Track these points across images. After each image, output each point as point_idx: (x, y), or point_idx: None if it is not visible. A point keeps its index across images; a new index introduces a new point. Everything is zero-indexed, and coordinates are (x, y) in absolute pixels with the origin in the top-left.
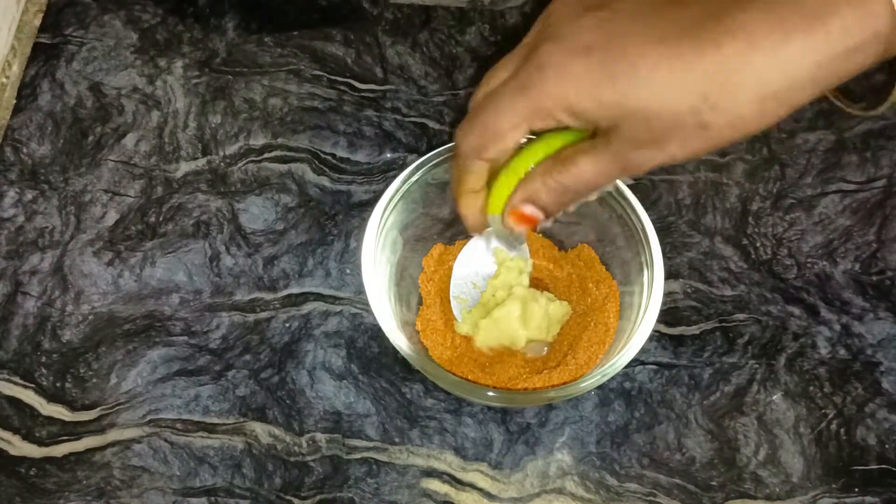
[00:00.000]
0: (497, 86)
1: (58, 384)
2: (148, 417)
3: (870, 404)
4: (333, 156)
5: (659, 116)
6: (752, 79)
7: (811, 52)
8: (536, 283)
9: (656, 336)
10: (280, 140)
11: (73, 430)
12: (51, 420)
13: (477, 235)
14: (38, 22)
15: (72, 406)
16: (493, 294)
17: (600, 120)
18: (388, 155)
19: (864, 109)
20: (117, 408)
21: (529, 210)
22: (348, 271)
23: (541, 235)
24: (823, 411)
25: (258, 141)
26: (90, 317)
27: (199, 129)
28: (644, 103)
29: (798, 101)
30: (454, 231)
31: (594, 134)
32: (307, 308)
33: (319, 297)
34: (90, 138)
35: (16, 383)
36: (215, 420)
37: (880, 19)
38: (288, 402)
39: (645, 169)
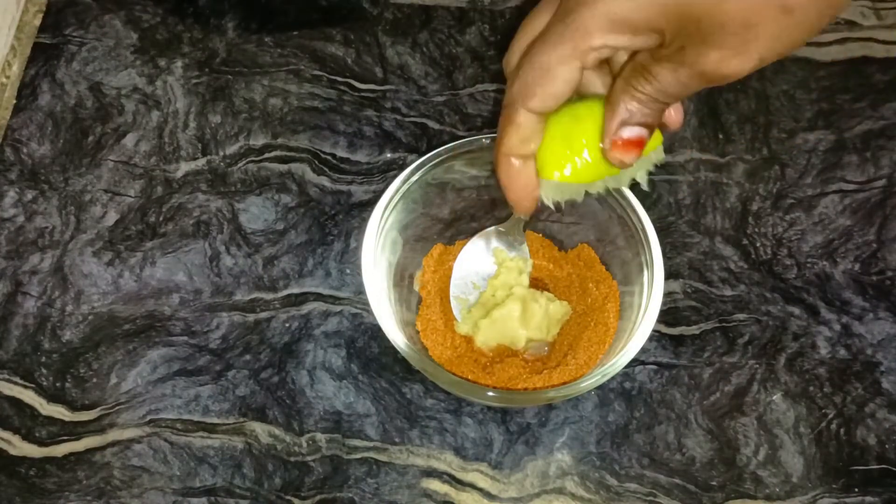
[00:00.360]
0: (540, 28)
1: (58, 384)
2: (148, 417)
3: (870, 404)
4: (333, 156)
5: (732, 8)
6: None
7: None
8: (536, 283)
9: (656, 336)
10: (280, 140)
11: (73, 430)
12: (51, 420)
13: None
14: (38, 22)
15: (72, 406)
16: (493, 294)
17: (662, 26)
18: (388, 155)
19: None
20: (117, 408)
21: (630, 133)
22: (348, 271)
23: (541, 235)
24: (823, 411)
25: (258, 141)
26: (90, 317)
27: (199, 129)
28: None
29: None
30: (454, 231)
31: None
32: (307, 308)
33: (319, 297)
34: (90, 138)
35: (16, 383)
36: (215, 420)
37: None
38: (288, 402)
39: (732, 78)
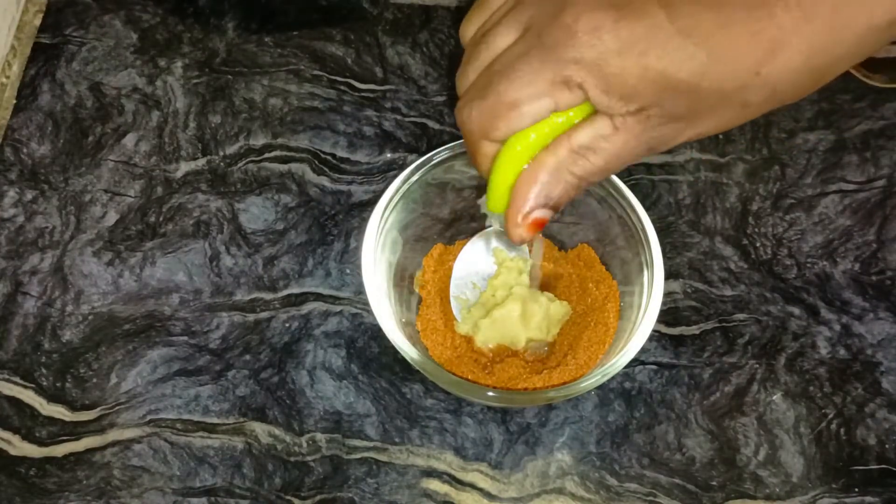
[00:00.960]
0: (504, 46)
1: (58, 384)
2: (148, 417)
3: (870, 404)
4: (333, 156)
5: (706, 92)
6: (803, 53)
7: (856, 24)
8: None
9: (656, 336)
10: (280, 140)
11: (73, 430)
12: (51, 420)
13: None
14: (38, 22)
15: (72, 406)
16: (493, 294)
17: (639, 94)
18: (388, 155)
19: (885, 81)
20: (117, 408)
21: (542, 214)
22: (348, 271)
23: (540, 235)
24: (823, 411)
25: (258, 141)
26: (90, 317)
27: (199, 129)
28: (694, 77)
29: (836, 73)
30: (454, 231)
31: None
32: (307, 308)
33: (319, 297)
34: (90, 138)
35: (16, 383)
36: (215, 420)
37: None
38: (288, 402)
39: (671, 146)
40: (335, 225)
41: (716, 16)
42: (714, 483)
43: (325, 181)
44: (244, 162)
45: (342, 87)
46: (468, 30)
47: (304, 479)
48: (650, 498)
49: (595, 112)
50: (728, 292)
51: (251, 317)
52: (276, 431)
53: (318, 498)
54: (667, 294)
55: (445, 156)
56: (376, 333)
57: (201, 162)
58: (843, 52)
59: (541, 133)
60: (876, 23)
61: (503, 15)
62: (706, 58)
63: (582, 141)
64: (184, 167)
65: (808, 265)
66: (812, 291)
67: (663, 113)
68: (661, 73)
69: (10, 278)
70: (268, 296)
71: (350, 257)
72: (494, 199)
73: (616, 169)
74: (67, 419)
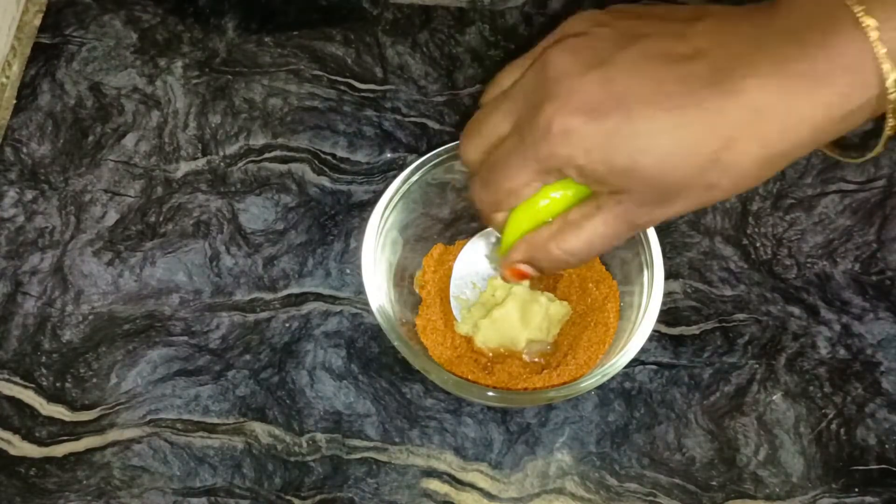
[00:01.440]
0: (499, 137)
1: (58, 384)
2: (148, 417)
3: (870, 404)
4: (333, 156)
5: (669, 179)
6: (756, 143)
7: (812, 117)
8: (540, 282)
9: (656, 336)
10: (280, 140)
11: (73, 430)
12: (51, 420)
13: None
14: (38, 22)
15: (72, 406)
16: (493, 294)
17: (610, 182)
18: (388, 155)
19: (854, 158)
20: (117, 408)
21: (527, 269)
22: (348, 271)
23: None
24: (823, 411)
25: (258, 141)
26: (90, 317)
27: (199, 129)
28: (655, 167)
29: (796, 157)
30: (454, 231)
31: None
32: (307, 308)
33: (319, 297)
34: (90, 138)
35: (16, 383)
36: (215, 420)
37: (872, 87)
38: (288, 402)
39: (651, 225)
40: (335, 225)
41: (673, 118)
42: (714, 483)
43: (325, 181)
44: (244, 162)
45: (342, 87)
46: (487, 94)
47: (304, 479)
48: (650, 498)
49: (588, 196)
50: (728, 292)
51: (251, 317)
52: (276, 431)
53: (318, 498)
54: (667, 294)
55: (445, 156)
56: (376, 333)
57: (201, 162)
58: (800, 141)
59: (534, 204)
60: (833, 114)
61: (497, 103)
62: (665, 153)
63: (572, 217)
64: (184, 167)
65: (808, 265)
66: (812, 291)
67: (634, 199)
68: (626, 167)
69: (10, 278)
70: (268, 296)
71: (350, 257)
72: (504, 248)
73: (600, 248)
74: (67, 419)
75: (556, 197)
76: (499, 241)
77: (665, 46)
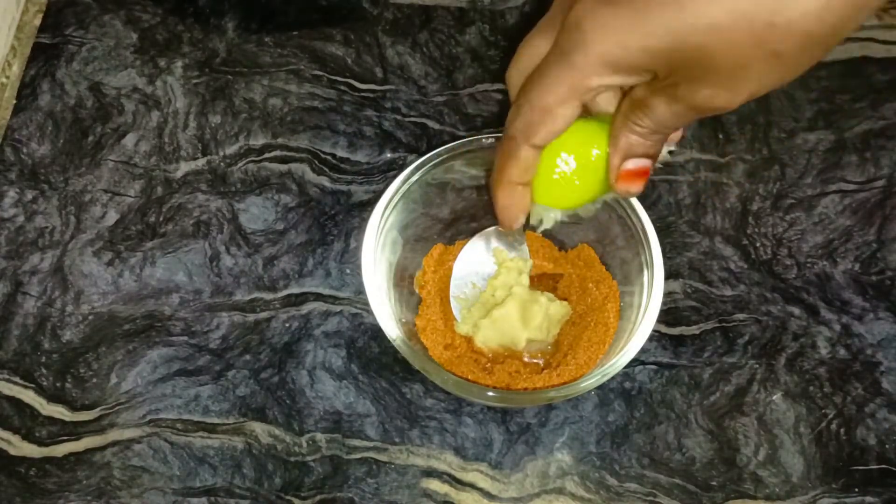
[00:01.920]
0: (540, 57)
1: (58, 384)
2: (148, 417)
3: (870, 404)
4: (333, 156)
5: (721, 52)
6: None
7: None
8: (544, 280)
9: (656, 336)
10: (280, 140)
11: (73, 430)
12: (51, 420)
13: (509, 231)
14: (38, 22)
15: (72, 406)
16: (493, 294)
17: (657, 69)
18: (388, 155)
19: None
20: (117, 408)
21: (635, 164)
22: (348, 271)
23: (541, 235)
24: (823, 411)
25: (258, 141)
26: (90, 317)
27: (199, 129)
28: (700, 40)
29: (860, 7)
30: (454, 231)
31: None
32: (307, 308)
33: (319, 297)
34: (90, 138)
35: (16, 383)
36: (215, 420)
37: None
38: (288, 402)
39: (723, 110)
40: (335, 225)
41: None
42: (714, 483)
43: (325, 181)
44: (244, 162)
45: (342, 87)
46: (511, 72)
47: (304, 479)
48: (650, 498)
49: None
50: (728, 292)
51: (251, 317)
52: (276, 431)
53: (318, 498)
54: (667, 294)
55: (445, 156)
56: (376, 333)
57: (201, 162)
58: None
59: (578, 135)
60: None
61: (536, 28)
62: (710, 23)
63: (635, 99)
64: (184, 167)
65: (808, 265)
66: (812, 291)
67: (692, 78)
68: (668, 46)
69: (10, 278)
70: (268, 296)
71: (350, 257)
72: (541, 191)
73: (676, 125)
74: (67, 419)
75: (588, 127)
76: (500, 239)
77: None
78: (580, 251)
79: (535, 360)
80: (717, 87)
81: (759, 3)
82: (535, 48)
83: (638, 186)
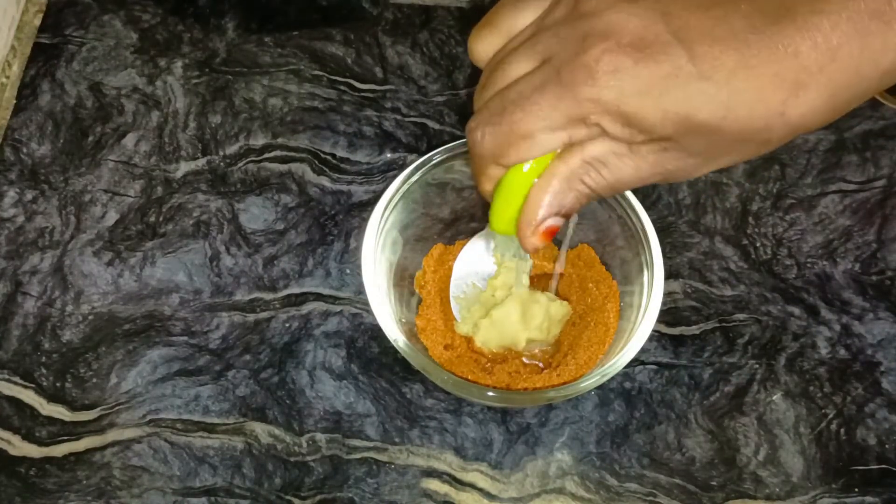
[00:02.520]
0: (522, 74)
1: (58, 384)
2: (148, 417)
3: (870, 404)
4: (333, 156)
5: (728, 131)
6: (827, 89)
7: (883, 60)
8: (546, 279)
9: (656, 336)
10: (280, 140)
11: (73, 430)
12: (51, 420)
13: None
14: (38, 22)
15: (72, 406)
16: (493, 294)
17: (658, 131)
18: (388, 155)
19: None
20: (117, 408)
21: (555, 222)
22: (348, 271)
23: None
24: (823, 411)
25: (258, 141)
26: (90, 317)
27: (199, 129)
28: (715, 119)
29: (857, 104)
30: (454, 231)
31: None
32: (307, 308)
33: (319, 297)
34: (90, 138)
35: (16, 383)
36: (215, 420)
37: None
38: (288, 402)
39: (689, 178)
40: (335, 225)
41: (739, 56)
42: (714, 483)
43: (325, 181)
44: (244, 162)
45: (342, 87)
46: (478, 48)
47: (304, 479)
48: (650, 498)
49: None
50: (728, 292)
51: (251, 317)
52: (276, 431)
53: (318, 498)
54: (667, 294)
55: (445, 156)
56: (376, 333)
57: (201, 162)
58: (866, 87)
59: (542, 163)
60: None
61: (521, 42)
62: (728, 100)
63: (595, 153)
64: (184, 167)
65: (808, 265)
66: (812, 291)
67: (681, 149)
68: (682, 115)
69: (10, 278)
70: (268, 296)
71: (350, 257)
72: (499, 220)
73: (626, 188)
74: (67, 419)
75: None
76: (500, 241)
77: None
78: (580, 251)
79: (535, 360)
80: (695, 157)
81: (778, 88)
82: (515, 18)
83: (545, 243)
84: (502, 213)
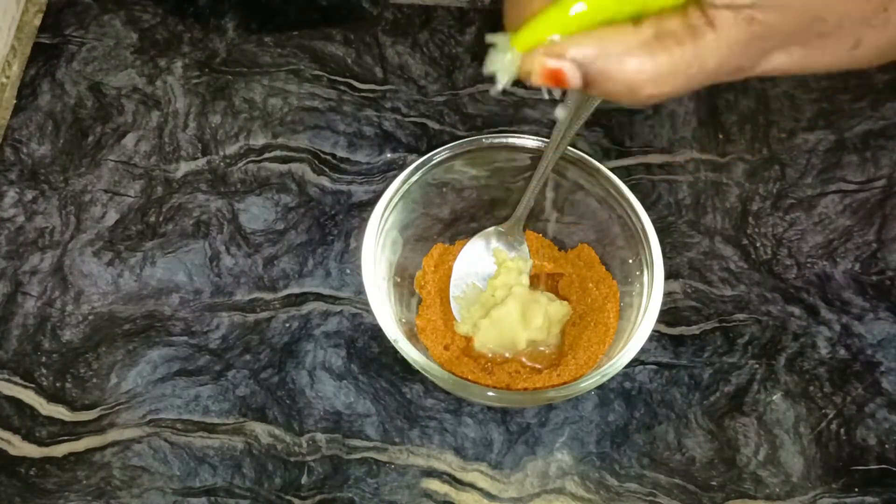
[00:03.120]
0: None
1: (58, 384)
2: (148, 417)
3: (870, 404)
4: (333, 156)
5: (825, 13)
6: None
7: None
8: (550, 278)
9: (656, 336)
10: (280, 140)
11: (73, 430)
12: (51, 420)
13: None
14: (38, 22)
15: (72, 406)
16: (493, 294)
17: None
18: (388, 155)
19: None
20: (117, 408)
21: (571, 72)
22: (348, 271)
23: (540, 235)
24: (823, 411)
25: (258, 141)
26: (90, 317)
27: (199, 129)
28: None
29: None
30: (454, 231)
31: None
32: (307, 308)
33: (319, 297)
34: (90, 138)
35: (16, 383)
36: (215, 420)
37: None
38: (288, 402)
39: (754, 72)
40: (335, 225)
41: None
42: (714, 483)
43: (325, 181)
44: (244, 162)
45: (342, 87)
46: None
47: (304, 479)
48: (650, 498)
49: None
50: (728, 292)
51: (251, 317)
52: (276, 431)
53: (318, 498)
54: (667, 294)
55: (445, 156)
56: (376, 333)
57: (201, 162)
58: None
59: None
60: None
61: None
62: None
63: (673, 27)
64: (184, 167)
65: (808, 265)
66: (812, 291)
67: (768, 22)
68: None
69: (10, 278)
70: (268, 296)
71: (350, 257)
72: (528, 35)
73: (693, 84)
74: (67, 419)
75: None
76: (500, 239)
77: None
78: (580, 251)
79: (536, 360)
80: (781, 43)
81: None
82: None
83: (542, 83)
84: (541, 29)
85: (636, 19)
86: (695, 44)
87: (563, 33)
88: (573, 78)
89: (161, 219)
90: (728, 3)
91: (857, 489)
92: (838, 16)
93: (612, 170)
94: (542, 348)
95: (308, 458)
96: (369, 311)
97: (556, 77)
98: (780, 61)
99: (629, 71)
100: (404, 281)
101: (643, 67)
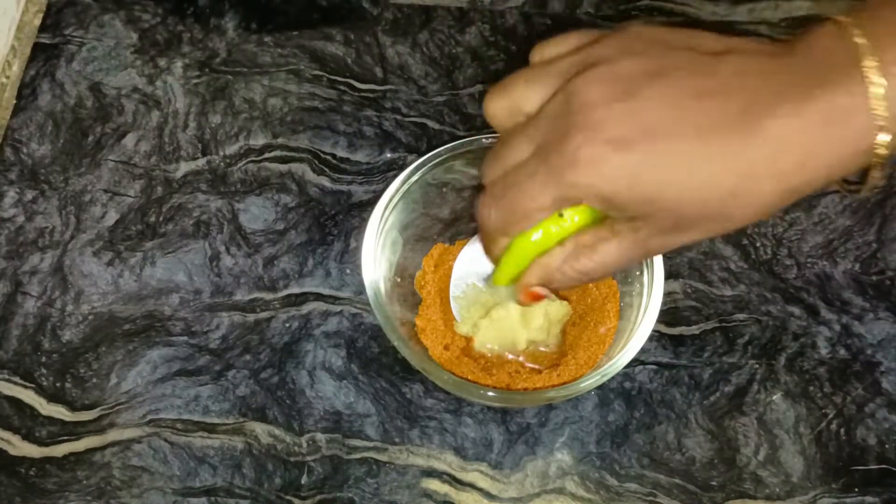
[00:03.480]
0: (519, 161)
1: (58, 384)
2: (148, 417)
3: (870, 404)
4: (333, 156)
5: (689, 210)
6: (774, 178)
7: (828, 154)
8: None
9: (656, 336)
10: (280, 140)
11: (73, 430)
12: (51, 420)
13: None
14: (38, 22)
15: (72, 406)
16: (493, 294)
17: (631, 210)
18: (388, 155)
19: (869, 190)
20: (117, 408)
21: (542, 290)
22: (348, 271)
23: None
24: (823, 411)
25: (258, 141)
26: (90, 317)
27: (199, 129)
28: (677, 197)
29: (810, 191)
30: (454, 231)
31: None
32: (307, 308)
33: (319, 297)
34: (90, 138)
35: (16, 383)
36: (215, 420)
37: (886, 126)
38: (288, 402)
39: (664, 251)
40: (335, 225)
41: (697, 150)
42: (714, 483)
43: (325, 181)
44: (244, 162)
45: (342, 87)
46: (491, 108)
47: (304, 479)
48: (650, 498)
49: (599, 220)
50: (728, 292)
51: (251, 317)
52: (276, 431)
53: (318, 498)
54: (667, 294)
55: (445, 156)
56: (376, 333)
57: (201, 162)
58: (816, 177)
59: (546, 231)
60: (847, 152)
61: (524, 125)
62: (688, 184)
63: (585, 241)
64: (184, 167)
65: (808, 265)
66: (812, 291)
67: (652, 226)
68: (650, 196)
69: (10, 278)
70: (268, 296)
71: (350, 257)
72: (501, 277)
73: (613, 269)
74: (67, 419)
75: (564, 226)
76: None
77: (693, 82)
78: None
79: (536, 360)
80: (668, 234)
81: (735, 179)
82: (526, 92)
83: (531, 303)
84: (504, 272)
85: (560, 241)
86: (605, 246)
87: (518, 269)
88: (543, 291)
89: (161, 219)
90: (622, 219)
91: (857, 489)
92: (694, 216)
93: None
94: (542, 348)
95: (308, 458)
96: (369, 311)
97: (535, 296)
98: (675, 242)
99: (569, 276)
100: (404, 281)
101: (578, 269)
